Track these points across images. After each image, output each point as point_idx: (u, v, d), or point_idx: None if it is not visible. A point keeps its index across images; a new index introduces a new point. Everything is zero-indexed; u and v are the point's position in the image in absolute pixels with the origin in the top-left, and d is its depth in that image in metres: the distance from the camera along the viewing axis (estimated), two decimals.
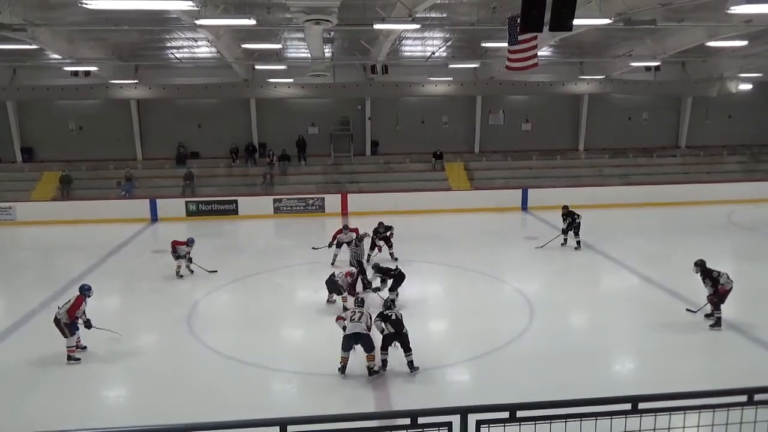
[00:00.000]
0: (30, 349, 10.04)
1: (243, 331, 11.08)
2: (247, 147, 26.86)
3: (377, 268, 12.06)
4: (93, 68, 21.09)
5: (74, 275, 14.36)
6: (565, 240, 17.04)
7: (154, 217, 22.51)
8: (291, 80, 24.96)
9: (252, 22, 11.34)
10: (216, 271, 14.59)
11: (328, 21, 12.27)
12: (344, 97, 27.32)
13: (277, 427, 2.92)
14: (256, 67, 23.57)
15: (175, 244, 14.46)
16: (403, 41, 21.15)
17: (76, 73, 21.63)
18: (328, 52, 22.26)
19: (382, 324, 8.86)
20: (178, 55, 22.17)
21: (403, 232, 16.21)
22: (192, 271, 14.61)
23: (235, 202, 23.03)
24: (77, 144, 26.58)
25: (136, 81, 24.62)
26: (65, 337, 9.36)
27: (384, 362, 8.92)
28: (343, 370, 8.77)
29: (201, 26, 13.86)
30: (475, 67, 25.48)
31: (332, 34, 19.26)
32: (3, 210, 22.19)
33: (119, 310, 12.95)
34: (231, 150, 26.74)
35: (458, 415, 2.97)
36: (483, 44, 19.03)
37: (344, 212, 22.87)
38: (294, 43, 21.12)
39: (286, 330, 11.52)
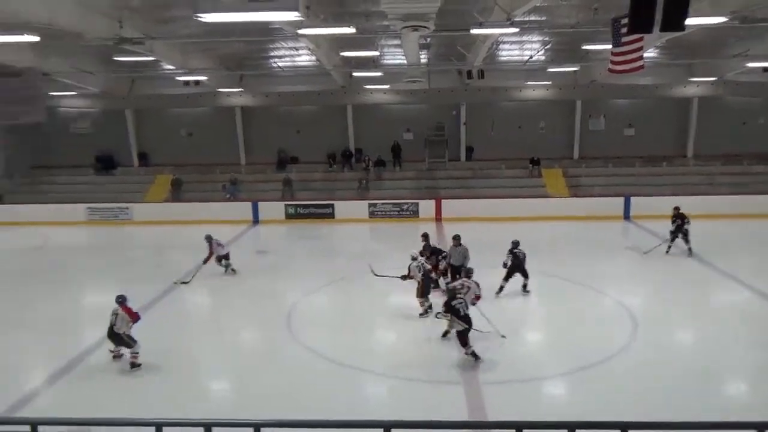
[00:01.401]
0: (140, 344, 10.73)
1: (339, 333, 11.30)
2: (343, 152, 27.49)
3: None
4: (203, 78, 22.39)
5: (183, 272, 15.23)
6: (669, 247, 16.13)
7: (256, 219, 23.50)
8: (387, 86, 25.31)
9: (352, 30, 11.59)
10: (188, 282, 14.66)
11: (425, 27, 12.33)
12: (439, 103, 27.34)
13: (381, 429, 2.94)
14: (354, 74, 24.09)
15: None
16: (500, 45, 20.89)
17: (187, 83, 23.02)
18: (423, 58, 22.36)
19: (458, 321, 9.20)
20: (280, 64, 23.07)
21: (498, 239, 15.92)
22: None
23: (332, 206, 23.60)
24: (187, 149, 28.29)
25: (241, 89, 25.88)
26: (129, 347, 9.50)
27: (474, 353, 9.24)
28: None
29: (303, 36, 14.35)
30: (574, 71, 24.71)
31: (428, 40, 19.34)
32: (121, 210, 23.99)
33: (221, 306, 13.60)
34: (328, 155, 27.48)
35: (566, 431, 2.87)
36: (584, 47, 18.42)
37: (438, 218, 22.84)
38: (390, 50, 21.40)
39: (380, 332, 11.64)
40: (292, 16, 8.06)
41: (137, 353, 9.49)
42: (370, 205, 23.54)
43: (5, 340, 11.15)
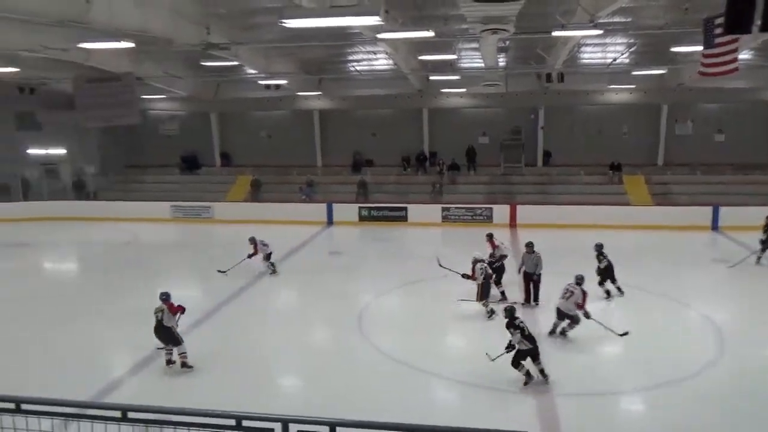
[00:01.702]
0: (218, 338, 11.15)
1: (410, 335, 11.31)
2: (418, 156, 27.53)
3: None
4: (283, 82, 23.04)
5: (260, 271, 15.70)
6: (759, 258, 15.18)
7: (330, 221, 23.92)
8: (464, 90, 25.15)
9: (431, 34, 11.60)
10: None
11: (505, 30, 12.16)
12: (516, 107, 26.90)
13: None
14: (430, 77, 24.09)
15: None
16: (581, 48, 20.29)
17: (268, 87, 23.74)
18: (501, 61, 22.06)
19: (522, 341, 8.73)
20: (358, 68, 23.39)
21: (574, 247, 15.53)
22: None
23: (405, 209, 23.68)
24: (267, 151, 29.17)
25: (319, 93, 26.43)
26: (177, 344, 9.61)
27: (529, 373, 8.79)
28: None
29: (381, 40, 14.49)
30: (661, 74, 23.65)
31: (507, 43, 19.06)
32: (203, 209, 25.05)
33: (294, 305, 13.92)
34: (403, 158, 27.60)
35: None
36: (672, 49, 17.62)
37: (512, 224, 22.45)
38: (468, 53, 21.23)
39: (451, 337, 11.57)
40: (374, 20, 8.18)
41: (185, 353, 9.57)
42: (443, 209, 23.46)
43: (96, 329, 11.85)
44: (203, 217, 24.84)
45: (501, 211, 22.83)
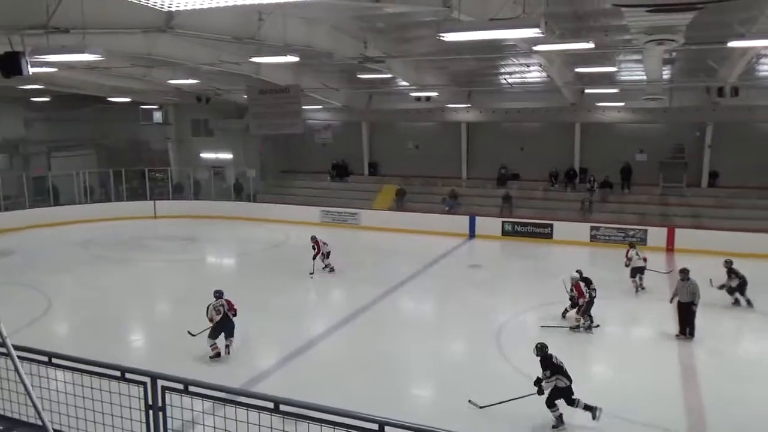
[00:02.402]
0: (357, 343, 11.49)
1: None
2: (567, 171, 26.49)
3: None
4: (433, 94, 23.34)
5: (402, 278, 16.00)
6: None
7: (472, 234, 23.75)
8: (621, 104, 23.81)
9: (590, 45, 11.13)
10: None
11: (672, 40, 11.34)
12: (680, 123, 24.90)
13: None
14: (586, 90, 23.09)
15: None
16: (760, 59, 18.35)
17: (419, 99, 24.16)
18: (666, 73, 20.58)
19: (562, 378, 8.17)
20: (510, 81, 23.05)
21: (748, 278, 14.00)
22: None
23: (551, 225, 22.89)
24: (413, 161, 29.64)
25: (468, 105, 26.40)
26: (232, 335, 10.53)
27: (560, 417, 8.20)
28: None
29: (537, 52, 14.16)
30: None
31: (673, 54, 17.74)
32: (350, 215, 26.08)
33: (433, 316, 13.98)
34: (551, 174, 26.71)
35: None
36: None
37: (669, 247, 20.81)
38: (628, 66, 20.07)
39: (594, 362, 11.00)
40: (533, 32, 7.99)
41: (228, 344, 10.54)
42: (592, 228, 22.33)
43: (251, 323, 12.71)
44: (349, 223, 25.83)
45: (656, 234, 21.24)
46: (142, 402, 4.47)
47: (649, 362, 10.62)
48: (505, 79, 22.91)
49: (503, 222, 23.63)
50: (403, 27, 15.18)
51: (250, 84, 21.68)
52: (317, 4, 10.88)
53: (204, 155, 32.07)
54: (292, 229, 25.02)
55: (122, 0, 5.84)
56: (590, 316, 12.18)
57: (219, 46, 15.52)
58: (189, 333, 10.66)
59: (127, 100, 27.25)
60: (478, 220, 23.94)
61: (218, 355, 10.41)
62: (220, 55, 16.28)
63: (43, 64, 13.17)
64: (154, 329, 13.22)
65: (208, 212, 27.35)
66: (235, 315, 10.53)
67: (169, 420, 4.52)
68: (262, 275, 17.55)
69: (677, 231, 21.14)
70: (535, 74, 21.90)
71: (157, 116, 31.17)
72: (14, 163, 29.00)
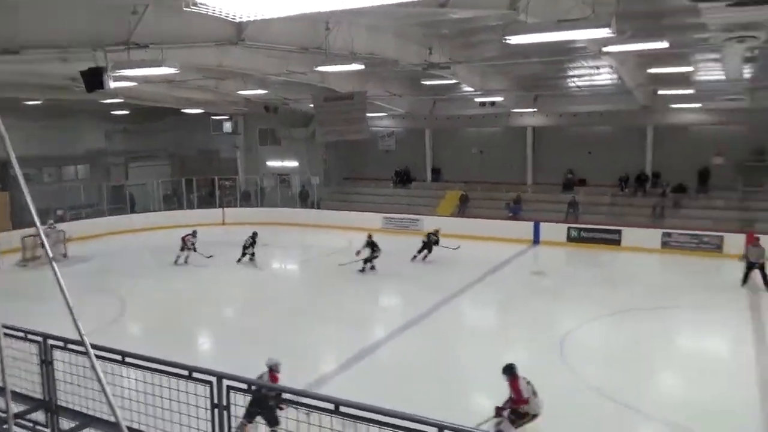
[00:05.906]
0: (418, 348, 11.43)
1: (614, 367, 10.55)
2: (638, 176, 25.54)
3: None
4: (498, 99, 23.03)
5: (463, 284, 15.83)
6: None
7: (536, 240, 23.25)
8: (698, 105, 22.75)
9: (665, 45, 10.71)
10: (212, 256, 18.98)
11: (754, 37, 10.75)
12: (762, 124, 23.57)
13: None
14: (659, 92, 22.19)
15: (183, 238, 19.34)
16: None
17: (483, 104, 23.92)
18: (747, 72, 19.52)
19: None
20: (578, 84, 22.46)
21: None
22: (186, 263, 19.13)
23: (619, 232, 22.12)
24: (477, 167, 29.34)
25: (534, 110, 25.91)
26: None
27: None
28: None
29: (607, 53, 13.73)
30: None
31: (756, 52, 16.80)
32: (412, 221, 26.06)
33: (495, 323, 13.74)
34: (620, 178, 25.80)
35: None
36: None
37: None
38: (706, 65, 19.16)
39: (663, 375, 10.50)
40: (604, 33, 7.73)
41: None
42: (663, 235, 21.41)
43: (314, 329, 12.91)
44: (411, 229, 25.76)
45: (733, 240, 20.01)
46: (208, 401, 4.60)
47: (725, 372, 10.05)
48: (573, 82, 22.35)
49: (569, 228, 23.02)
50: (467, 32, 15.07)
51: (315, 93, 22.11)
52: (384, 11, 10.95)
53: (270, 163, 32.92)
54: (353, 235, 25.22)
55: (197, 15, 6.06)
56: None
57: (286, 57, 15.90)
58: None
59: (200, 111, 28.34)
60: (543, 226, 23.42)
61: None
62: (288, 65, 16.68)
63: (123, 79, 13.87)
64: (221, 332, 13.62)
65: (274, 219, 27.95)
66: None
67: (233, 419, 4.64)
68: (323, 284, 17.76)
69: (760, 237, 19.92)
70: (605, 76, 21.24)
71: (227, 126, 32.29)
72: (95, 173, 30.68)
